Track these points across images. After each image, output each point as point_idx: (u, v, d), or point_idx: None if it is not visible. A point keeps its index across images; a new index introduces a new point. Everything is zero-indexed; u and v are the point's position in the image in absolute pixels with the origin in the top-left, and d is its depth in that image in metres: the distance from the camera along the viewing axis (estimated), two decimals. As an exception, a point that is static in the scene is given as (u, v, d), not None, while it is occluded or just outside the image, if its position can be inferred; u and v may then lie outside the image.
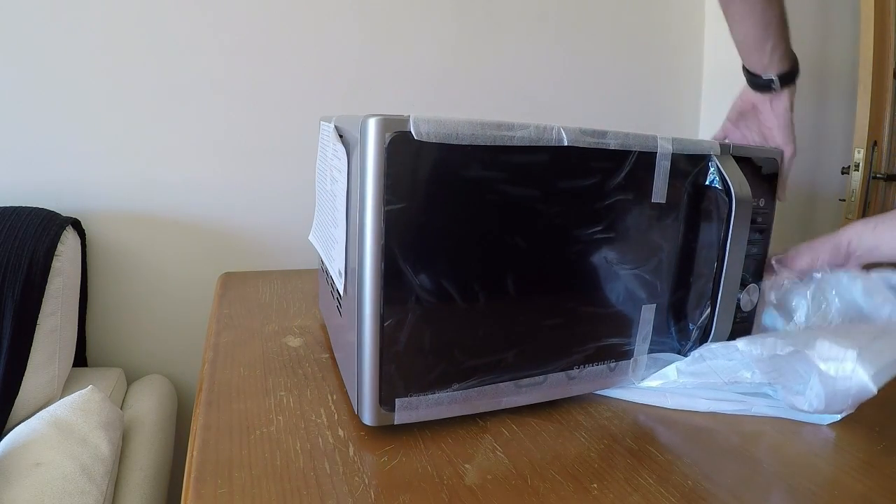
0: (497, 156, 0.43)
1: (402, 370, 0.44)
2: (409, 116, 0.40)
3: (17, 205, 0.88)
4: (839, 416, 0.50)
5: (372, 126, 0.39)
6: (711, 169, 0.53)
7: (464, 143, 0.41)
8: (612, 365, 0.54)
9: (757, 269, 0.59)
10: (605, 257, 0.50)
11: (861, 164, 1.35)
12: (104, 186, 0.97)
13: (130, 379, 0.98)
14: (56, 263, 0.83)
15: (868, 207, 1.39)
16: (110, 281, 1.00)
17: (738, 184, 0.53)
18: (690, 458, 0.44)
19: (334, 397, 0.51)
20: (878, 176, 1.43)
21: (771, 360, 0.49)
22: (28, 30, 0.90)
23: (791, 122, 0.63)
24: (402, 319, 0.42)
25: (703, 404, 0.52)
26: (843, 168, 1.42)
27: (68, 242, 0.86)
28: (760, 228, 0.58)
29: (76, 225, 0.91)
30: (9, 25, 0.89)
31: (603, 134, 0.47)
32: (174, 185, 1.00)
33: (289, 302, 0.78)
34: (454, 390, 0.46)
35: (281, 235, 1.07)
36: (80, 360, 0.96)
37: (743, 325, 0.60)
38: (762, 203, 0.58)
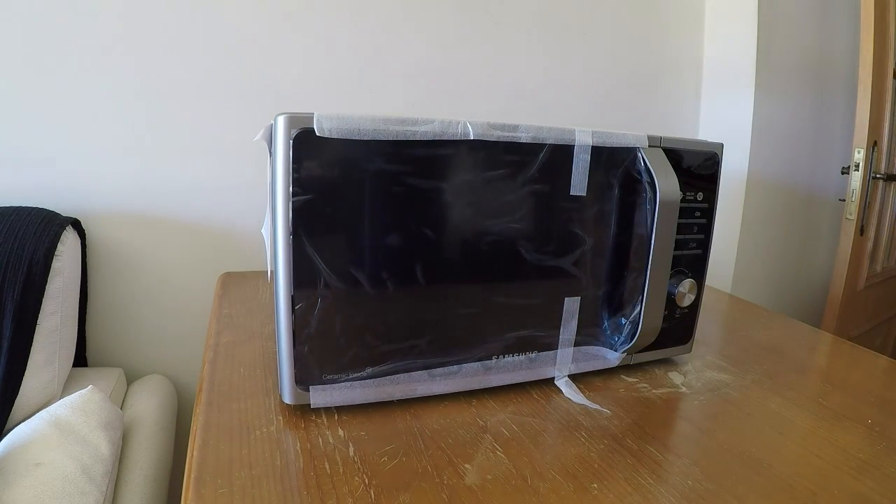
0: (402, 150, 0.45)
1: (315, 352, 0.46)
2: (313, 114, 0.42)
3: (17, 205, 0.88)
4: None
5: (280, 123, 0.42)
6: (639, 162, 0.53)
7: (366, 138, 0.43)
8: (533, 356, 0.53)
9: (698, 265, 0.59)
10: (520, 248, 0.50)
11: (861, 164, 1.35)
12: (104, 186, 0.97)
13: (130, 379, 0.98)
14: (56, 263, 0.83)
15: (868, 207, 1.39)
16: (110, 281, 1.00)
17: (664, 176, 0.52)
18: (690, 458, 0.44)
19: (334, 397, 0.51)
20: (877, 176, 1.42)
21: None
22: (28, 30, 0.90)
23: None
24: (311, 303, 0.45)
25: None
26: (843, 168, 1.42)
27: (68, 242, 0.86)
28: (700, 224, 0.58)
29: (76, 225, 0.91)
30: (9, 25, 0.89)
31: (514, 128, 0.48)
32: (174, 185, 1.00)
33: (289, 302, 0.78)
34: (369, 375, 0.47)
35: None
36: (80, 360, 0.96)
37: (682, 321, 0.60)
38: (700, 197, 0.57)
